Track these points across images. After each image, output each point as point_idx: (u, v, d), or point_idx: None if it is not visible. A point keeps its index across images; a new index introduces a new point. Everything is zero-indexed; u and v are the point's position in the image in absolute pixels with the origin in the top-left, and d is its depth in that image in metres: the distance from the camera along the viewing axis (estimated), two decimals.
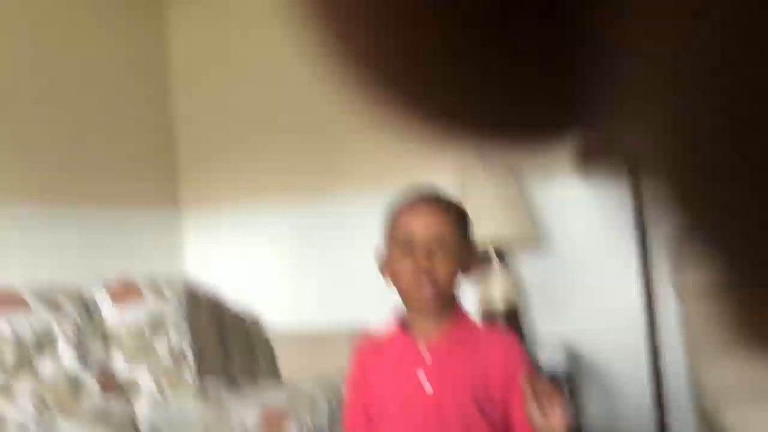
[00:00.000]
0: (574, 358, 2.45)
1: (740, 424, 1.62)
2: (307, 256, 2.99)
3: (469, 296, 1.09)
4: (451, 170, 2.46)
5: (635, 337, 2.45)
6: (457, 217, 1.03)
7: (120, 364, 2.20)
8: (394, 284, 1.02)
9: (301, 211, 2.98)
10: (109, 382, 2.12)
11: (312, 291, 2.96)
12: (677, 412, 2.41)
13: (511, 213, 2.39)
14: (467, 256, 1.04)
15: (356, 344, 1.08)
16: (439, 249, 0.98)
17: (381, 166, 2.82)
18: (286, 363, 2.70)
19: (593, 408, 2.55)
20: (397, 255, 1.00)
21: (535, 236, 2.52)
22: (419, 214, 1.00)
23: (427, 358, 0.97)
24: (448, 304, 1.02)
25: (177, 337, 2.39)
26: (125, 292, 2.34)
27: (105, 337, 2.21)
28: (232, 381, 2.52)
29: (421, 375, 0.96)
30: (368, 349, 1.05)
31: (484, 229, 2.39)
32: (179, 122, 3.21)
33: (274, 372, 2.64)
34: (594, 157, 0.16)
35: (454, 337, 1.00)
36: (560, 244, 2.61)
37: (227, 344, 2.54)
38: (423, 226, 0.99)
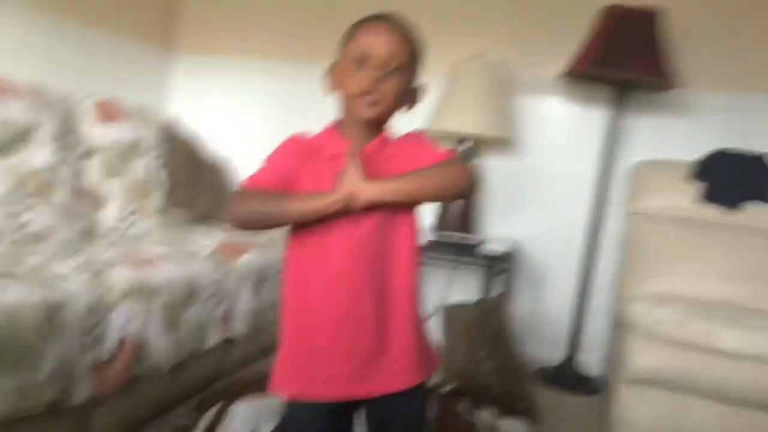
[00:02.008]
0: (516, 250, 2.64)
1: (641, 314, 1.82)
2: (291, 117, 3.06)
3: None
4: (444, 61, 2.52)
5: (575, 247, 2.63)
6: (412, 43, 1.07)
7: (93, 175, 2.29)
8: (341, 96, 1.07)
9: (292, 72, 3.03)
10: (81, 188, 2.22)
11: None
12: (595, 311, 2.65)
13: (490, 111, 2.48)
14: (413, 84, 1.09)
15: (289, 136, 1.11)
16: (391, 67, 1.02)
17: None
18: None
19: (524, 293, 2.77)
20: (349, 68, 1.03)
21: (506, 139, 2.64)
22: (378, 31, 1.03)
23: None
24: (382, 123, 1.08)
25: (150, 164, 2.50)
26: (109, 112, 2.41)
27: (83, 147, 2.30)
28: (197, 216, 2.66)
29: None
30: (301, 140, 1.09)
31: (463, 121, 2.50)
32: None
33: None
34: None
35: (380, 144, 1.08)
36: (529, 151, 2.74)
37: (198, 183, 2.65)
38: (380, 43, 1.02)
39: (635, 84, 2.39)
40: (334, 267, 1.03)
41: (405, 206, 1.07)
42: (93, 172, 2.30)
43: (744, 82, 2.49)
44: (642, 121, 2.61)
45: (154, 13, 3.07)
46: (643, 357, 1.80)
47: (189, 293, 1.80)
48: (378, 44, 1.02)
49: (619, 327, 2.10)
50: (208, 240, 2.21)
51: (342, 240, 1.03)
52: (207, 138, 3.04)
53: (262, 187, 1.03)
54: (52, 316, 1.33)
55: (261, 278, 2.21)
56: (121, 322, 1.52)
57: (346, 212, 1.00)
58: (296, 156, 1.06)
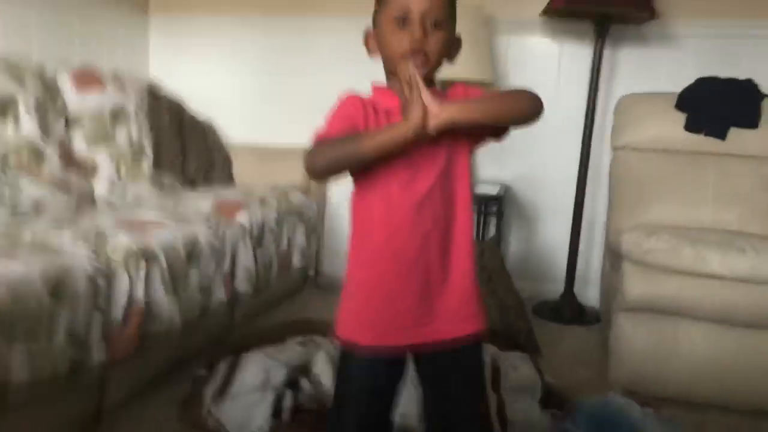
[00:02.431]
0: (507, 191, 2.68)
1: (632, 243, 1.87)
2: (270, 72, 3.03)
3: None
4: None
5: (568, 185, 2.67)
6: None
7: (80, 144, 2.28)
8: (384, 57, 1.07)
9: (266, 26, 2.98)
10: (69, 158, 2.21)
11: (270, 110, 3.04)
12: (591, 245, 2.72)
13: (472, 54, 2.46)
14: (453, 38, 1.09)
15: (346, 93, 1.09)
16: (432, 25, 1.03)
17: None
18: (240, 171, 2.83)
19: (520, 232, 2.83)
20: (390, 28, 1.04)
21: (491, 82, 2.63)
22: None
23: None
24: (430, 79, 1.07)
25: (136, 130, 2.47)
26: (88, 79, 2.37)
27: (66, 117, 2.27)
28: (187, 179, 2.65)
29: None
30: (357, 97, 1.08)
31: (445, 66, 2.48)
32: None
33: (228, 177, 2.77)
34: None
35: (432, 94, 1.03)
36: None
37: (185, 145, 2.64)
38: (420, 1, 1.02)
39: (616, 17, 2.38)
40: (402, 214, 1.04)
41: (473, 139, 1.08)
42: (79, 141, 2.28)
43: (724, 8, 2.49)
44: (626, 55, 2.62)
45: None
46: (636, 286, 1.86)
47: (189, 255, 1.82)
48: (416, 2, 1.02)
49: (613, 258, 2.16)
50: (201, 201, 2.22)
51: (409, 187, 1.04)
52: (189, 99, 3.01)
53: (335, 135, 1.03)
54: (57, 286, 1.34)
55: (258, 235, 2.23)
56: (127, 287, 1.55)
57: (420, 141, 0.98)
58: (358, 109, 1.06)
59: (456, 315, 1.09)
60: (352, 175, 1.07)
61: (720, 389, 1.83)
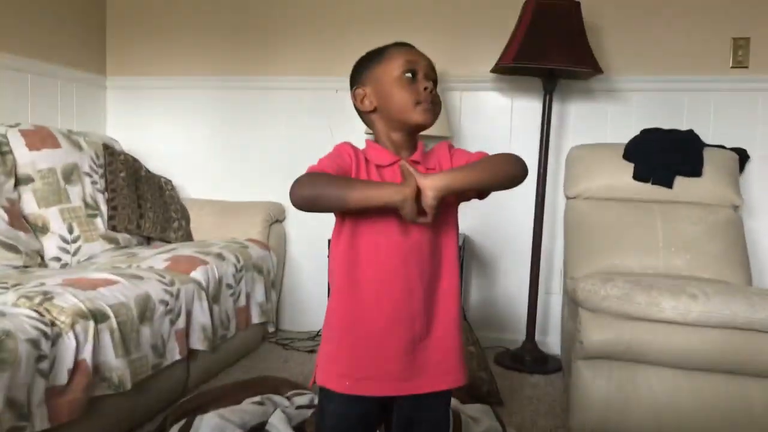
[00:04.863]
0: (466, 242, 2.70)
1: (587, 292, 1.89)
2: (226, 133, 3.05)
3: None
4: None
5: (526, 234, 2.71)
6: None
7: (30, 204, 2.23)
8: (390, 110, 1.12)
9: (226, 91, 3.02)
10: (18, 218, 2.15)
11: (228, 167, 3.04)
12: (551, 293, 2.74)
13: None
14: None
15: (342, 142, 1.15)
16: (433, 79, 1.13)
17: (306, 55, 2.88)
18: (198, 227, 2.79)
19: (479, 282, 2.84)
20: (397, 84, 1.10)
21: (447, 137, 2.69)
22: (413, 50, 1.15)
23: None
24: (418, 134, 1.15)
25: (91, 188, 2.44)
26: (41, 138, 2.34)
27: (16, 176, 2.23)
28: (143, 236, 2.61)
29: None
30: (352, 147, 1.13)
31: None
32: None
33: (186, 233, 2.73)
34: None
35: (421, 155, 1.15)
36: (470, 145, 2.80)
37: (142, 202, 2.60)
38: (422, 57, 1.13)
39: (562, 73, 2.49)
40: (390, 266, 1.06)
41: (457, 205, 1.14)
42: (29, 200, 2.23)
43: (664, 64, 2.62)
44: (574, 108, 2.72)
45: (81, 39, 2.99)
46: (593, 333, 1.87)
47: (142, 313, 1.77)
48: (421, 58, 1.13)
49: (571, 306, 2.18)
50: (156, 258, 2.18)
51: (398, 240, 1.06)
52: (147, 156, 3.00)
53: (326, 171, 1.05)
54: None
55: (215, 291, 2.19)
56: (73, 348, 1.49)
57: (416, 223, 1.02)
58: (351, 156, 1.10)
59: (438, 368, 1.10)
60: (341, 221, 1.10)
61: None
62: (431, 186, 0.99)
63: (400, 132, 1.14)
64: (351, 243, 1.08)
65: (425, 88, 1.10)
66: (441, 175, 1.02)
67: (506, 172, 1.09)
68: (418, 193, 1.00)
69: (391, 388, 1.08)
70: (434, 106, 1.12)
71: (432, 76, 1.14)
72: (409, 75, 1.11)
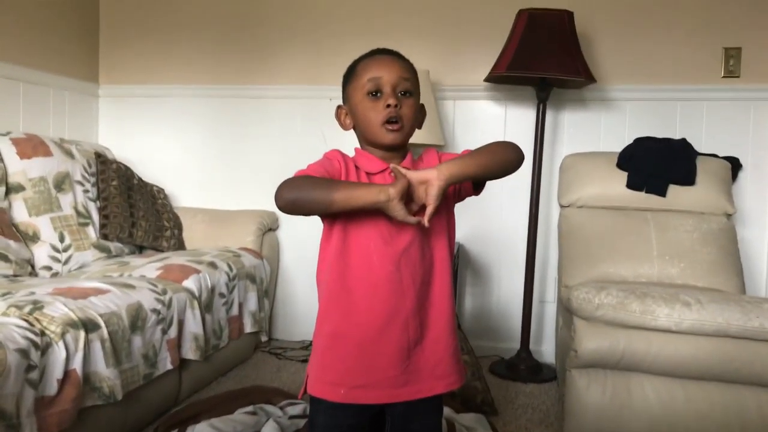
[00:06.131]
0: (460, 251, 2.70)
1: (582, 300, 1.89)
2: (219, 141, 3.04)
3: None
4: None
5: (521, 243, 2.71)
6: (411, 66, 1.14)
7: (21, 213, 2.21)
8: (362, 128, 1.11)
9: (219, 100, 3.01)
10: (8, 227, 2.13)
11: (221, 175, 3.03)
12: (546, 302, 2.74)
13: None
14: (420, 106, 1.14)
15: (331, 149, 1.14)
16: (402, 93, 1.09)
17: (299, 64, 2.88)
18: (190, 236, 2.78)
19: (474, 291, 2.83)
20: (364, 101, 1.09)
21: (442, 143, 2.69)
22: (383, 61, 1.10)
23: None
24: (404, 145, 1.13)
25: (82, 196, 2.42)
26: (33, 146, 2.32)
27: (6, 185, 2.21)
28: (135, 245, 2.59)
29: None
30: (341, 154, 1.12)
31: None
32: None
33: (178, 242, 2.72)
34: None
35: (410, 164, 1.12)
36: None
37: (134, 211, 2.58)
38: (389, 71, 1.08)
39: (555, 82, 2.49)
40: (381, 271, 1.05)
41: (453, 204, 1.13)
42: (20, 208, 2.21)
43: (657, 73, 2.64)
44: (568, 116, 2.73)
45: (73, 47, 2.98)
46: (587, 342, 1.86)
47: (133, 322, 1.75)
48: (387, 72, 1.08)
49: (566, 315, 2.18)
50: (148, 267, 2.16)
51: (389, 244, 1.05)
52: (139, 165, 2.99)
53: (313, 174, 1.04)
54: None
55: (207, 300, 2.17)
56: (63, 358, 1.47)
57: (409, 223, 1.00)
58: (340, 162, 1.09)
59: (433, 372, 1.09)
60: (330, 227, 1.08)
61: None
62: (438, 175, 0.99)
63: (380, 149, 1.12)
64: (341, 249, 1.07)
65: (388, 105, 1.07)
66: (445, 164, 1.01)
67: (506, 156, 1.08)
68: (411, 195, 0.99)
69: (386, 396, 1.07)
70: (403, 121, 1.08)
71: (403, 86, 1.09)
72: (373, 93, 1.08)
